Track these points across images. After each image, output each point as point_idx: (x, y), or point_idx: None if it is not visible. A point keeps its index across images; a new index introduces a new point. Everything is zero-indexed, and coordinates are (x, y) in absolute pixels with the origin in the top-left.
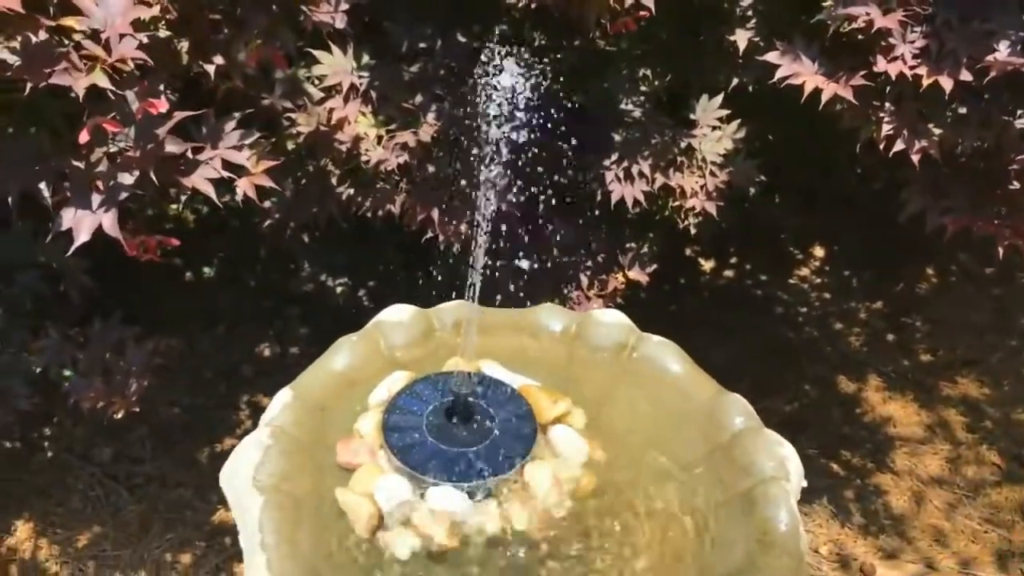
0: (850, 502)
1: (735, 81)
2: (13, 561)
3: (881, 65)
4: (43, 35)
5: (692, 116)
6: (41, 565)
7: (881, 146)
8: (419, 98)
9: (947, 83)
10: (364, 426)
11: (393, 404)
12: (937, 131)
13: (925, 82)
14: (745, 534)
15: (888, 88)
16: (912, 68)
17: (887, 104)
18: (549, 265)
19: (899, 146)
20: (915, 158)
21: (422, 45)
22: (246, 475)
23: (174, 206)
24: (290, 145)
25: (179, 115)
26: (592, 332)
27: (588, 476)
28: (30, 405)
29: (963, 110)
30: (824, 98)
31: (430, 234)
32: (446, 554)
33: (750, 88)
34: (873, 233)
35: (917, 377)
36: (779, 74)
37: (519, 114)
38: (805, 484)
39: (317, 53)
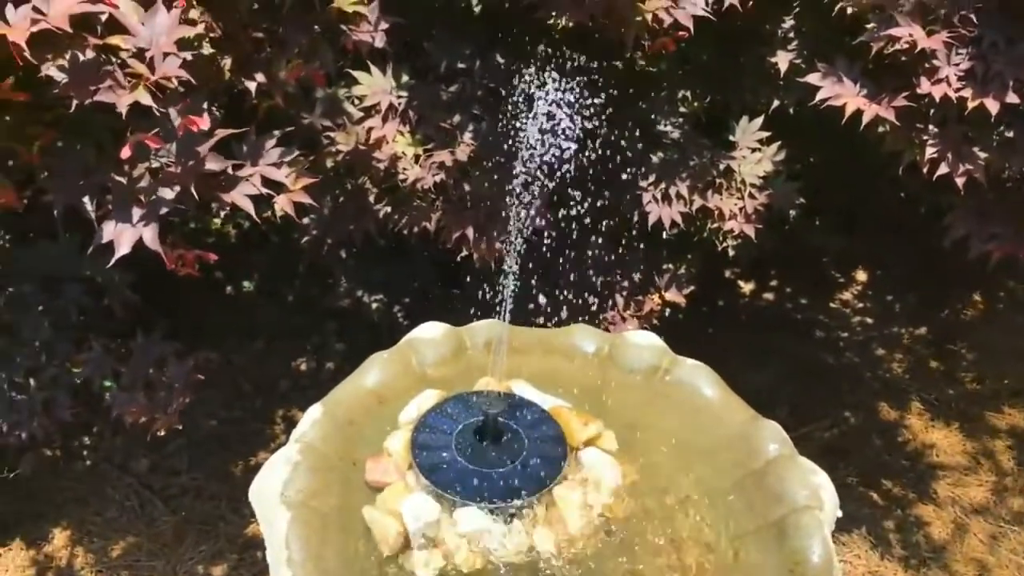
0: (890, 532)
1: (776, 103)
2: (50, 568)
3: (925, 87)
4: (90, 53)
5: (732, 138)
6: (77, 573)
7: (925, 169)
8: (457, 118)
9: (993, 106)
10: (393, 444)
11: (423, 422)
12: (983, 155)
13: (970, 104)
14: (776, 564)
15: (932, 111)
16: (957, 90)
17: (931, 127)
18: (584, 285)
19: (943, 170)
20: (960, 182)
21: (461, 65)
22: (275, 491)
23: (216, 220)
24: (329, 163)
25: (221, 132)
26: (625, 354)
27: (618, 500)
28: (71, 416)
29: (1010, 133)
30: (865, 119)
31: (465, 252)
32: (472, 574)
33: (791, 110)
34: (917, 258)
35: (961, 406)
36: (820, 95)
37: (556, 135)
38: (840, 514)
39: (357, 73)
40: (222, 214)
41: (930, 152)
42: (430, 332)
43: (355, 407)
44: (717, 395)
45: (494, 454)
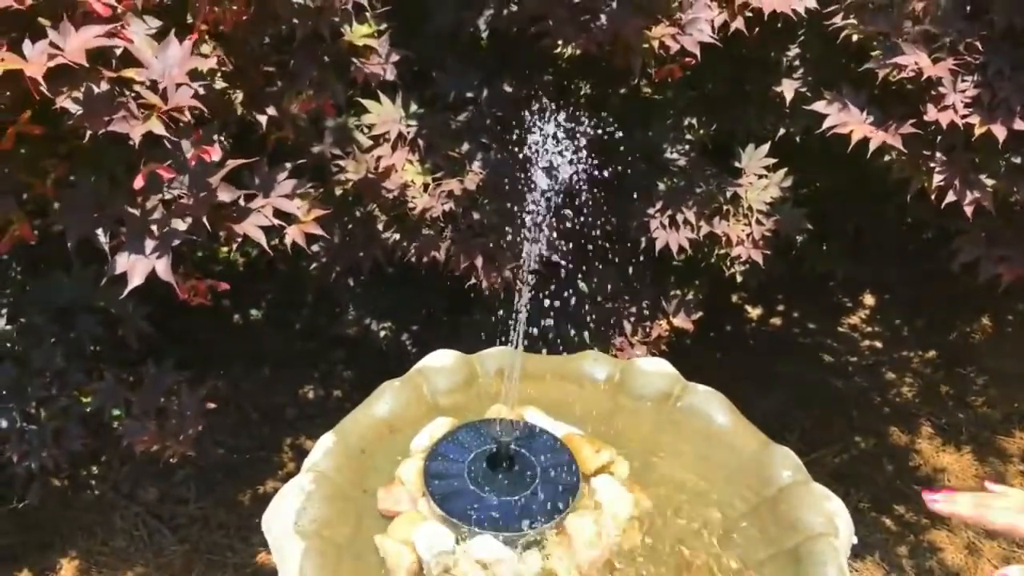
0: (903, 558)
1: (782, 131)
2: None
3: (932, 114)
4: (104, 86)
5: (738, 164)
6: None
7: (933, 197)
8: (465, 146)
9: (1000, 132)
10: (406, 472)
11: (435, 451)
12: (990, 182)
13: (978, 131)
14: None
15: (939, 138)
16: (964, 117)
17: (938, 154)
18: (593, 312)
19: (951, 197)
20: (968, 210)
21: (469, 95)
22: (287, 520)
23: (224, 249)
24: (338, 191)
25: (232, 163)
26: (636, 381)
27: (631, 528)
28: (81, 446)
29: (1017, 159)
30: (872, 147)
31: (473, 281)
32: None
33: (797, 139)
34: (925, 281)
35: (972, 430)
36: (827, 123)
37: (564, 163)
38: (855, 541)
39: (366, 102)
40: (234, 244)
41: (938, 180)
42: (441, 360)
43: (367, 436)
44: (729, 422)
45: (507, 482)
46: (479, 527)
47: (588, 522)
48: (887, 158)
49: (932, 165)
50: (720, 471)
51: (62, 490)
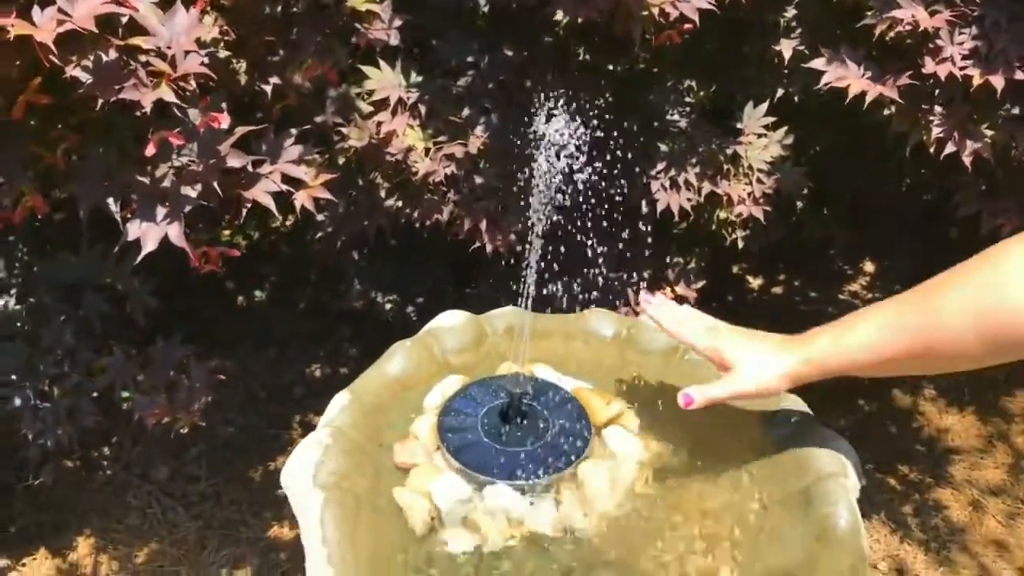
0: (909, 516)
1: (780, 91)
2: (75, 575)
3: (929, 67)
4: (113, 54)
5: (738, 125)
6: None
7: (931, 149)
8: (466, 111)
9: (999, 83)
10: (420, 428)
11: (448, 407)
12: (989, 133)
13: (976, 82)
14: (803, 533)
15: (937, 90)
16: (962, 69)
17: (936, 107)
18: (596, 282)
19: (950, 149)
20: (967, 160)
21: (469, 59)
22: (307, 473)
23: (226, 232)
24: (341, 159)
25: (241, 130)
26: (643, 336)
27: (643, 476)
28: (94, 423)
29: (1016, 110)
30: (869, 99)
31: (477, 244)
32: (502, 552)
33: (796, 98)
34: (924, 246)
35: (975, 389)
36: (825, 79)
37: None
38: (864, 483)
39: (366, 69)
40: (242, 214)
41: (937, 132)
42: (450, 320)
43: (380, 394)
44: None
45: (520, 434)
46: (494, 477)
47: (601, 470)
48: (885, 112)
49: (931, 118)
50: (728, 419)
51: (75, 471)
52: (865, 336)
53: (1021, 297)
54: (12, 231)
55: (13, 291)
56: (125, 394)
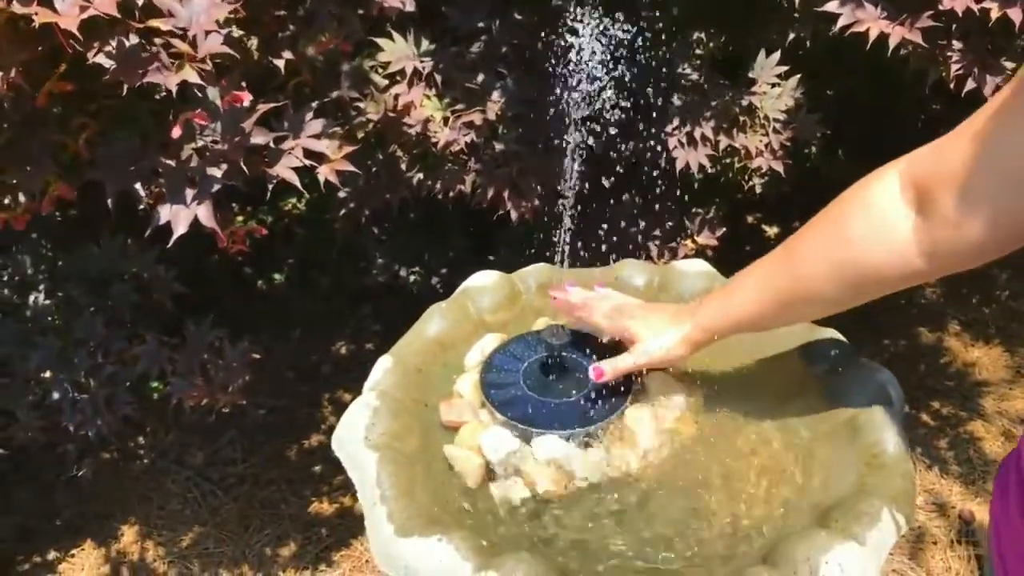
0: (943, 451)
1: (792, 36)
2: (123, 563)
3: (946, 3)
4: (134, 38)
5: (751, 75)
6: (150, 566)
7: (952, 86)
8: (481, 77)
9: (1016, 15)
10: (463, 386)
11: (489, 363)
12: (1009, 64)
13: (994, 15)
14: (853, 460)
15: (954, 26)
16: (979, 2)
17: (954, 42)
18: (618, 237)
19: (970, 85)
20: (988, 94)
21: (480, 24)
22: (358, 436)
23: (240, 218)
24: (360, 134)
25: (263, 107)
26: (675, 283)
27: (688, 419)
28: (132, 410)
29: None
30: (892, 43)
31: (501, 211)
32: (555, 500)
33: (807, 43)
34: None
35: (999, 323)
36: (841, 22)
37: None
38: (907, 410)
39: (380, 41)
40: (248, 208)
41: (955, 68)
42: (483, 280)
43: (421, 355)
44: None
45: (562, 386)
46: (542, 428)
47: (646, 415)
48: (902, 51)
49: (949, 54)
50: (768, 358)
51: (112, 462)
52: (743, 298)
53: (858, 234)
54: (35, 226)
55: (41, 287)
56: (155, 384)
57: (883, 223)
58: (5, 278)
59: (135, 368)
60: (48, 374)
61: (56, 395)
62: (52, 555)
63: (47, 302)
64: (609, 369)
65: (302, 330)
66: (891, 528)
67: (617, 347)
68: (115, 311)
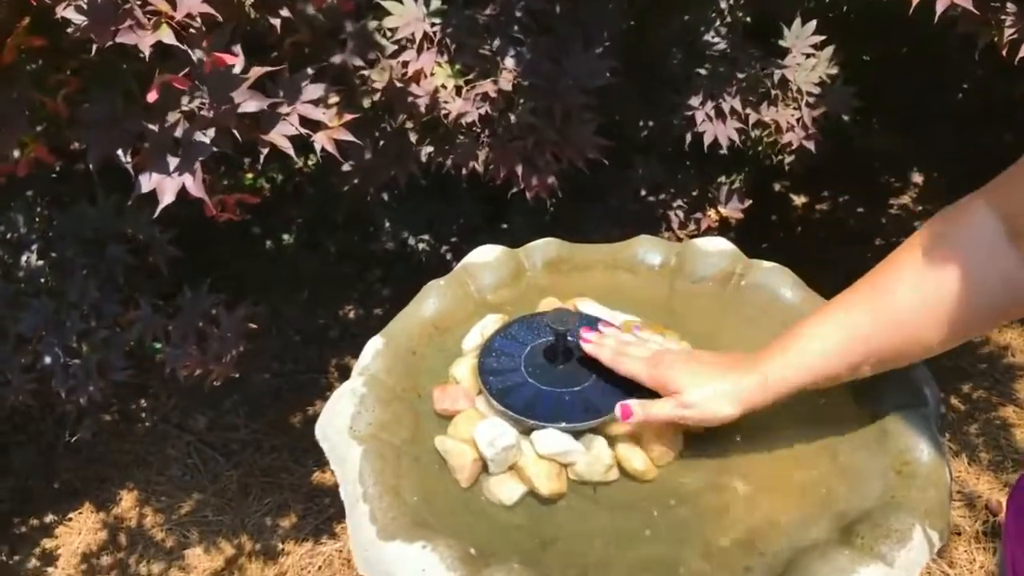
0: (973, 437)
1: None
2: (121, 529)
3: None
4: None
5: (783, 43)
6: (147, 532)
7: (1004, 52)
8: (496, 42)
9: None
10: (460, 371)
11: (488, 347)
12: None
13: None
14: (881, 466)
15: None
16: None
17: (1009, 4)
18: (638, 207)
19: None
20: None
21: None
22: (342, 425)
23: (249, 176)
24: (366, 103)
25: (256, 71)
26: (694, 262)
27: None
28: (126, 377)
29: None
30: (940, 8)
31: (515, 189)
32: (554, 499)
33: (844, 6)
34: (975, 155)
35: None
36: None
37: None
38: (943, 411)
39: (387, 4)
40: (258, 166)
41: (1009, 33)
42: (485, 255)
43: (415, 337)
44: (798, 297)
45: (567, 374)
46: (542, 420)
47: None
48: (951, 14)
49: (1003, 18)
50: None
51: (113, 424)
52: (821, 348)
53: (970, 270)
54: (26, 185)
55: (34, 246)
56: (157, 345)
57: (993, 257)
58: None
59: (129, 333)
60: (42, 335)
61: (48, 359)
62: (49, 518)
63: (40, 262)
64: (640, 412)
65: (310, 292)
66: (923, 547)
67: None
68: (109, 273)
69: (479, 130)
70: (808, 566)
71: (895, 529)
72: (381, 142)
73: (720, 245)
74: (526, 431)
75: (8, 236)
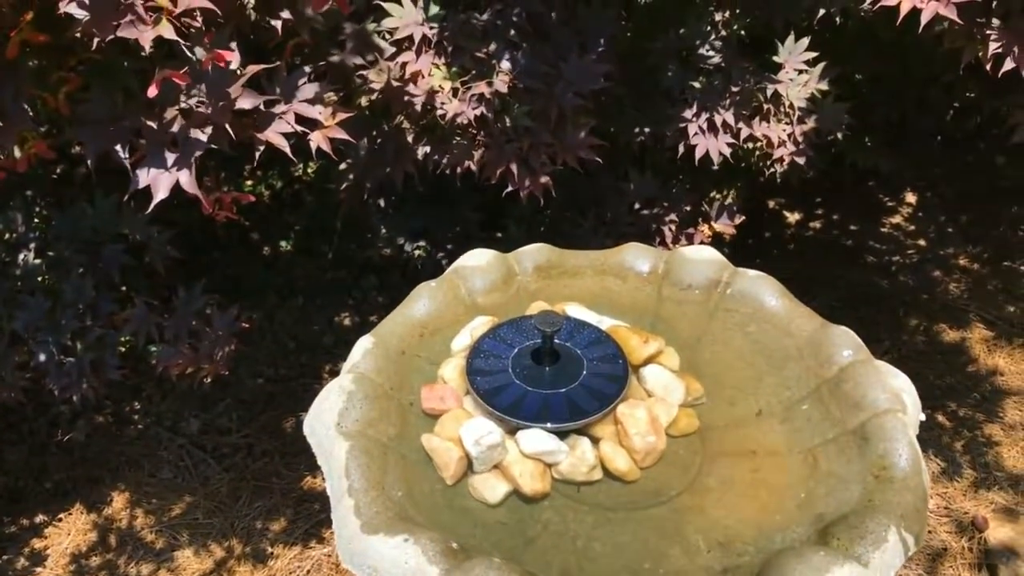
0: (959, 455)
1: (821, 12)
2: (111, 530)
3: None
4: None
5: (776, 59)
6: (137, 534)
7: (988, 66)
8: (493, 46)
9: None
10: (448, 372)
11: (477, 348)
12: None
13: None
14: (860, 471)
15: (995, 3)
16: None
17: (994, 20)
18: (631, 220)
19: (1008, 65)
20: None
21: None
22: (330, 421)
23: (248, 183)
24: (363, 102)
25: (252, 68)
26: (681, 270)
27: (686, 416)
28: (120, 376)
29: None
30: (924, 19)
31: (510, 188)
32: (538, 498)
33: (836, 20)
34: (968, 176)
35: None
36: None
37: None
38: (923, 417)
39: (387, 6)
40: (258, 173)
41: (994, 47)
42: (476, 259)
43: (406, 337)
44: (783, 305)
45: (553, 376)
46: (527, 420)
47: (640, 410)
48: (937, 28)
49: (988, 32)
50: (776, 355)
51: (106, 425)
52: None
53: None
54: (25, 184)
55: (32, 245)
56: (152, 348)
57: None
58: None
59: (123, 332)
60: (37, 334)
61: (42, 357)
62: (40, 518)
63: (37, 261)
64: None
65: (306, 298)
66: (898, 549)
67: (603, 341)
68: (106, 273)
69: (475, 131)
70: (784, 565)
71: (871, 531)
72: (378, 140)
73: (707, 254)
74: (512, 431)
75: (6, 235)
